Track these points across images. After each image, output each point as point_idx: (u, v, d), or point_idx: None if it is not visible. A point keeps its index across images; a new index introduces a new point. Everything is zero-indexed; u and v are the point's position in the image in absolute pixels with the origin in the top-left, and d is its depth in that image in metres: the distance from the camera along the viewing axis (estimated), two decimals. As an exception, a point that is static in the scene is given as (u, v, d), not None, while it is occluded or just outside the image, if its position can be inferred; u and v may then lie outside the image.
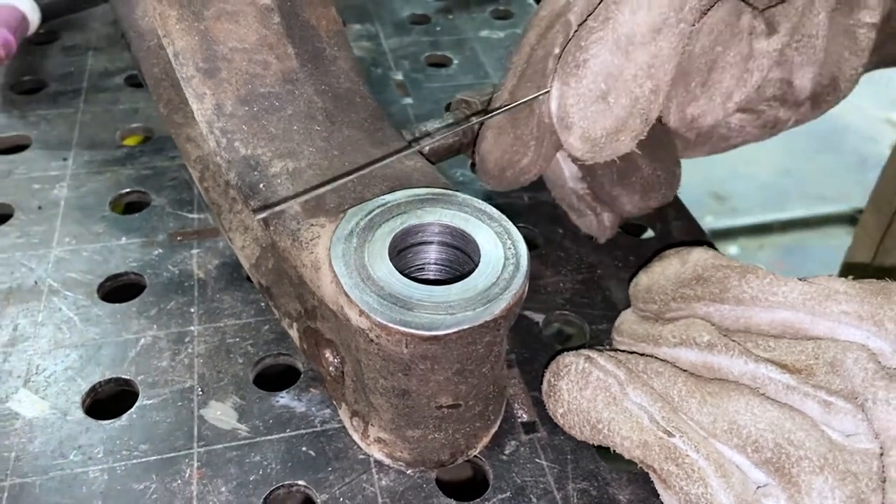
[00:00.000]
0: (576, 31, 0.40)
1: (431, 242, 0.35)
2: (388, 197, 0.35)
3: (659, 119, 0.43)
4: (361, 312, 0.31)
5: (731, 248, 2.15)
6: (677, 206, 0.55)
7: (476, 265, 0.33)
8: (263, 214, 0.34)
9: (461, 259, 0.35)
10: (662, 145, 0.46)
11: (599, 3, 0.39)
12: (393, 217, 0.34)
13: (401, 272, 0.32)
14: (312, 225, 0.35)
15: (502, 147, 0.44)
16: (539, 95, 0.41)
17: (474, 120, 0.45)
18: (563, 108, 0.40)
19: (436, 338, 0.30)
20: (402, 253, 0.35)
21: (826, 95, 0.48)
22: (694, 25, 0.39)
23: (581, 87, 0.40)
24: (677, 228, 0.53)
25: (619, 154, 0.41)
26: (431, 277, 0.36)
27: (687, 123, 0.43)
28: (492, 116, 0.42)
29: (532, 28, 0.43)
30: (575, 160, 0.44)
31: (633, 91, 0.39)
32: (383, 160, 0.36)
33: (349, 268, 0.32)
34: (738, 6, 0.40)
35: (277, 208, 0.34)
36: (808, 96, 0.47)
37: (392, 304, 0.31)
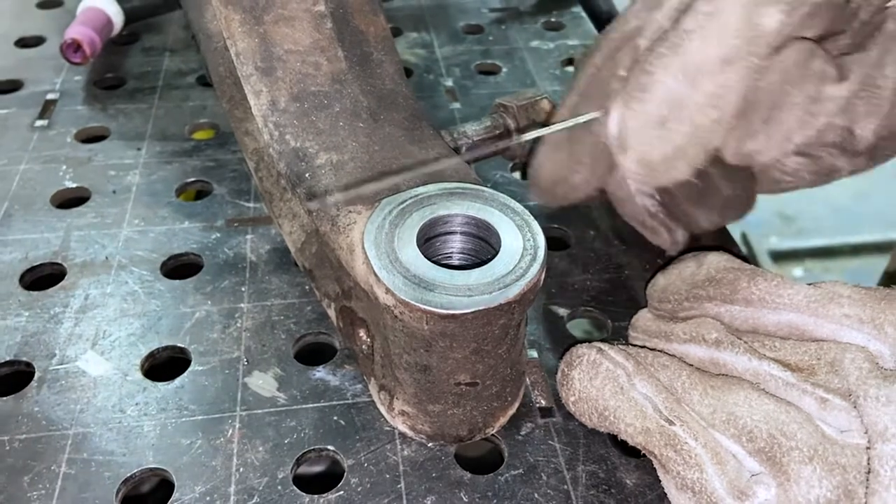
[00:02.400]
0: (644, 54, 0.41)
1: (457, 232, 0.38)
2: (420, 189, 0.39)
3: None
4: (388, 290, 0.34)
5: (796, 271, 2.10)
6: (709, 215, 0.56)
7: (497, 254, 0.36)
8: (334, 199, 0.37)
9: (484, 249, 0.38)
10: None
11: (670, 30, 0.40)
12: (423, 207, 0.38)
13: (428, 258, 0.35)
14: (350, 212, 0.38)
15: (556, 162, 0.45)
16: (595, 116, 0.42)
17: (533, 133, 0.45)
18: (623, 130, 0.41)
19: (453, 316, 0.33)
20: (431, 241, 0.38)
21: (885, 149, 0.46)
22: (764, 61, 0.39)
23: (643, 110, 0.40)
24: (707, 235, 0.55)
25: (673, 181, 0.42)
26: (455, 264, 0.39)
27: (743, 158, 0.43)
28: (552, 131, 0.43)
29: (600, 49, 0.43)
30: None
31: (696, 120, 0.39)
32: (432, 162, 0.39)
33: (379, 251, 0.35)
34: (811, 49, 0.40)
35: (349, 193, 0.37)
36: (869, 146, 0.45)
37: (416, 284, 0.34)
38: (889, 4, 0.42)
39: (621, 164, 0.42)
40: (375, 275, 0.34)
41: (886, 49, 0.42)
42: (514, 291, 0.34)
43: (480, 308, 0.33)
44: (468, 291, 0.34)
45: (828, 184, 0.48)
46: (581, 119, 0.42)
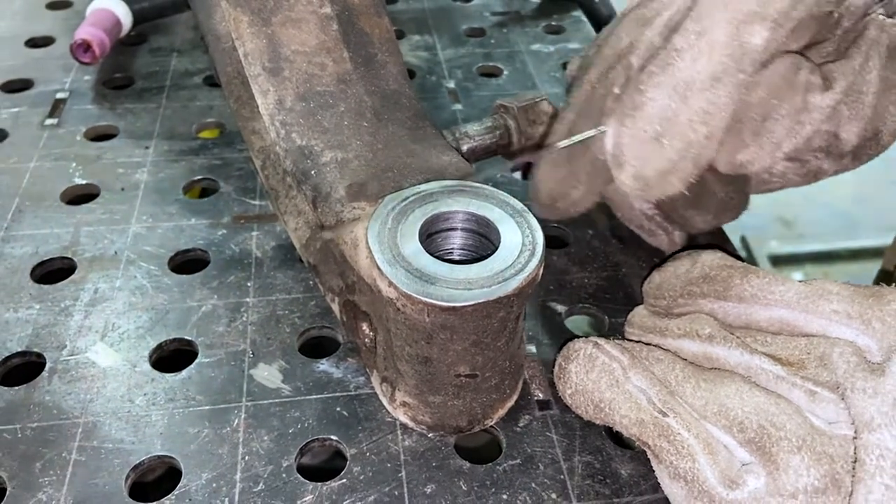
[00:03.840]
0: (636, 72, 0.42)
1: (457, 228, 0.39)
2: (422, 186, 0.40)
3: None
4: (390, 284, 0.35)
5: (796, 275, 2.11)
6: (705, 215, 0.57)
7: (497, 250, 0.37)
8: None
9: (484, 245, 0.39)
10: None
11: (661, 48, 0.41)
12: (425, 204, 0.39)
13: (430, 254, 0.37)
14: (354, 208, 0.39)
15: (556, 179, 0.46)
16: (596, 133, 0.43)
17: (537, 154, 0.47)
18: (618, 147, 0.42)
19: (453, 308, 0.34)
20: (432, 237, 0.39)
21: (868, 148, 0.48)
22: (752, 77, 0.40)
23: (637, 127, 0.41)
24: (704, 235, 0.56)
25: (667, 195, 0.43)
26: (456, 259, 0.40)
27: (735, 168, 0.44)
28: (552, 152, 0.45)
29: (595, 66, 0.45)
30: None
31: (688, 135, 0.40)
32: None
33: (382, 245, 0.36)
34: (797, 61, 0.41)
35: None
36: (853, 149, 0.47)
37: (417, 278, 0.35)
38: (870, 12, 0.43)
39: (617, 179, 0.43)
40: (379, 269, 0.36)
41: (868, 55, 0.44)
42: (512, 285, 0.35)
43: (480, 301, 0.34)
44: (468, 285, 0.35)
45: (814, 183, 0.50)
46: (582, 137, 0.43)
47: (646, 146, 0.41)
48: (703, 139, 0.40)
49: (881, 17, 0.44)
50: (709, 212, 0.48)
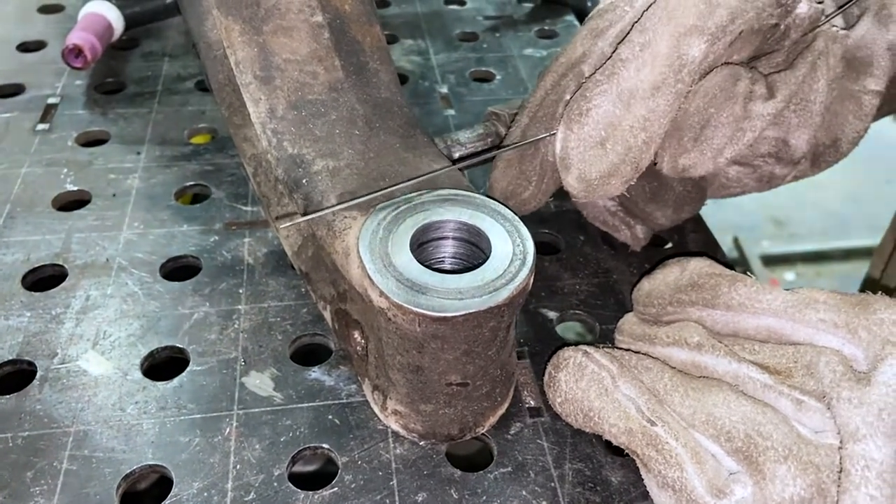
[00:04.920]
0: (585, 81, 0.44)
1: (449, 237, 0.39)
2: (414, 195, 0.40)
3: (654, 164, 0.46)
4: (381, 294, 0.35)
5: (788, 275, 2.12)
6: (695, 220, 0.58)
7: (488, 259, 0.37)
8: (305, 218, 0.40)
9: (475, 254, 0.39)
10: None
11: (608, 58, 0.43)
12: (417, 213, 0.39)
13: (421, 263, 0.37)
14: (346, 217, 0.39)
15: (508, 178, 0.49)
16: (546, 136, 0.46)
17: (491, 153, 0.49)
18: (565, 150, 0.44)
19: (445, 319, 0.34)
20: (423, 246, 0.39)
21: (827, 155, 0.50)
22: (691, 87, 0.42)
23: (583, 132, 0.43)
24: (693, 241, 0.56)
25: (609, 196, 0.45)
26: (447, 268, 0.41)
27: (678, 172, 0.46)
28: (503, 151, 0.47)
29: (549, 73, 0.47)
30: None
31: (628, 140, 0.42)
32: (428, 174, 0.41)
33: (374, 255, 0.37)
34: (735, 72, 0.43)
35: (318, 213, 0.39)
36: (804, 155, 0.49)
37: (409, 288, 0.35)
38: (820, 24, 0.44)
39: (564, 180, 0.45)
40: (370, 278, 0.36)
41: (814, 65, 0.46)
42: (503, 295, 0.35)
43: (471, 311, 0.35)
44: (459, 295, 0.35)
45: (774, 188, 0.52)
46: (535, 139, 0.46)
47: (590, 150, 0.43)
48: (642, 144, 0.42)
49: (834, 28, 0.46)
50: (668, 206, 0.50)
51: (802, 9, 0.43)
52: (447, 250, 0.40)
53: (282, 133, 0.43)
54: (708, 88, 0.43)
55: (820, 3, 0.45)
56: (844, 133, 0.49)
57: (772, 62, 0.46)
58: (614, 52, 0.43)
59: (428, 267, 0.37)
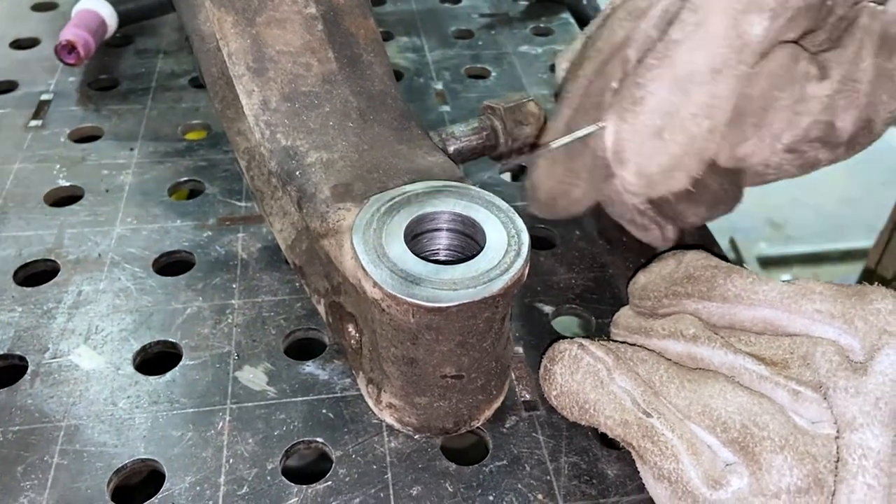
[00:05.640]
0: (634, 66, 0.41)
1: (443, 229, 0.39)
2: (408, 187, 0.40)
3: None
4: (375, 284, 0.35)
5: (784, 276, 2.12)
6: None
7: (482, 250, 0.37)
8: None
9: (470, 245, 0.39)
10: None
11: (658, 40, 0.41)
12: (411, 204, 0.39)
13: (416, 254, 0.36)
14: (340, 208, 0.39)
15: (555, 178, 0.46)
16: (595, 129, 0.42)
17: (534, 153, 0.46)
18: (619, 143, 0.41)
19: (439, 309, 0.34)
20: (418, 237, 0.39)
21: (861, 137, 0.47)
22: (753, 68, 0.39)
23: (637, 123, 0.41)
24: (691, 237, 0.56)
25: (671, 191, 0.42)
26: (442, 259, 0.40)
27: (736, 162, 0.44)
28: (550, 150, 0.44)
29: (589, 60, 0.44)
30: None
31: (690, 129, 0.40)
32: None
33: (367, 246, 0.36)
34: (796, 52, 0.41)
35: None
36: (849, 138, 0.46)
37: (402, 279, 0.35)
38: (860, 0, 0.43)
39: (620, 176, 0.42)
40: (364, 269, 0.35)
41: (861, 43, 0.43)
42: (497, 286, 0.35)
43: (465, 301, 0.34)
44: (453, 285, 0.35)
45: (807, 174, 0.49)
46: (580, 133, 0.43)
47: (648, 142, 0.40)
48: (706, 133, 0.40)
49: (872, 4, 0.44)
50: (702, 205, 0.47)
51: None
52: (442, 241, 0.40)
53: (275, 125, 0.43)
54: (772, 69, 0.40)
55: None
56: (878, 113, 0.46)
57: (815, 41, 0.43)
58: (663, 33, 0.41)
59: (422, 258, 0.36)
